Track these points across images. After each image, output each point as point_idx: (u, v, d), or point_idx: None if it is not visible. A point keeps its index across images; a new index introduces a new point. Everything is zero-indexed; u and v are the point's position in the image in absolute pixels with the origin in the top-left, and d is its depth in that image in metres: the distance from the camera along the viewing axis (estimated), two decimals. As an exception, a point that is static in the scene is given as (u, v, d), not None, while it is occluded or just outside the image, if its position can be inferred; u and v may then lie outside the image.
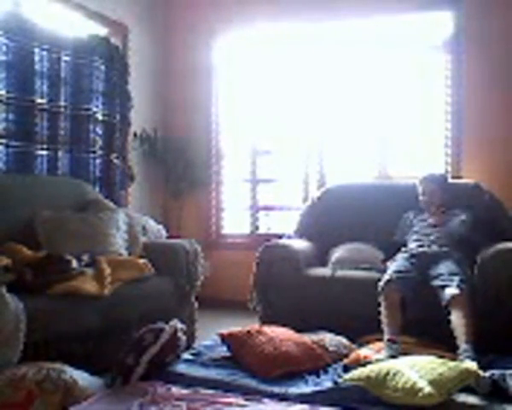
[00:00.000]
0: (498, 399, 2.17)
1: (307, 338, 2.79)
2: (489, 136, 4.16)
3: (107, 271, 2.91)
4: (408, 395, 2.08)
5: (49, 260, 2.77)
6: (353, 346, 2.81)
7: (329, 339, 2.82)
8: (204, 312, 3.55)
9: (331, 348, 2.74)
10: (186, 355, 2.75)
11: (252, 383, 2.41)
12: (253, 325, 2.95)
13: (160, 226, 3.86)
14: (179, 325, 2.66)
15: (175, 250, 3.36)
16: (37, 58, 3.55)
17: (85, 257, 2.96)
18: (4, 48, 3.33)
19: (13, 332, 2.24)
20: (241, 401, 2.20)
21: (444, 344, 2.73)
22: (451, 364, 2.25)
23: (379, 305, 2.89)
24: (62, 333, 2.57)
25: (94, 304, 2.72)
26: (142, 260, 3.16)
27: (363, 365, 2.45)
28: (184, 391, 2.31)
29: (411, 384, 2.10)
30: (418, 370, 2.18)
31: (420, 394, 2.05)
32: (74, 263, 2.82)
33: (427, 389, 2.05)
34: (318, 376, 2.51)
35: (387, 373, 2.22)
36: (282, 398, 2.27)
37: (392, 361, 2.36)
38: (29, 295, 2.49)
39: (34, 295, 2.53)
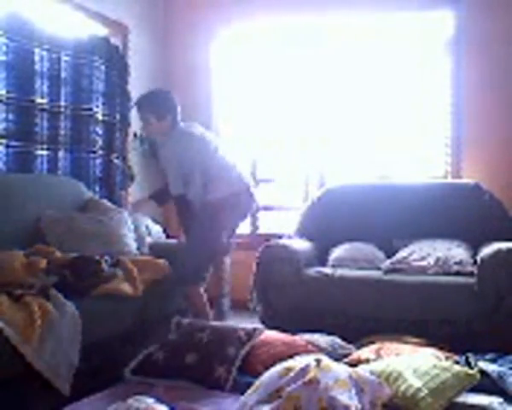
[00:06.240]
0: (498, 399, 2.17)
1: (298, 338, 2.71)
2: (489, 136, 4.16)
3: (135, 271, 2.90)
4: (409, 403, 2.09)
5: (82, 262, 2.75)
6: (348, 346, 2.73)
7: (324, 340, 2.73)
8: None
9: (329, 348, 2.68)
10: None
11: (253, 382, 2.41)
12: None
13: (158, 226, 3.86)
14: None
15: None
16: (37, 58, 3.54)
17: (107, 258, 2.93)
18: (4, 48, 3.32)
19: (72, 334, 2.26)
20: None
21: (444, 344, 2.73)
22: (454, 369, 2.23)
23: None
24: (108, 334, 2.59)
25: (128, 305, 2.74)
26: (161, 260, 3.15)
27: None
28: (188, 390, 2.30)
29: (412, 392, 2.10)
30: (420, 376, 2.17)
31: (421, 403, 2.06)
32: (104, 264, 2.80)
33: (429, 399, 2.06)
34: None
35: (389, 376, 2.21)
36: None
37: (395, 362, 2.34)
38: (74, 297, 2.46)
39: (78, 296, 2.50)
